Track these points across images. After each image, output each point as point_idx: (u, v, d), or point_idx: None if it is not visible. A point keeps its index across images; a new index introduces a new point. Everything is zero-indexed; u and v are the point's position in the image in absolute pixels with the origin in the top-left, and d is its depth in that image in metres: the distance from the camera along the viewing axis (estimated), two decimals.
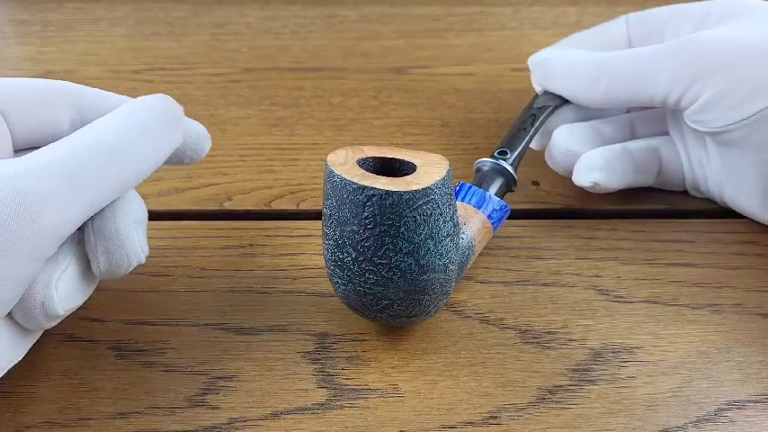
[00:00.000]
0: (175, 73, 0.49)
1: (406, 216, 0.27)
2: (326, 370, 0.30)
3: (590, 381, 0.29)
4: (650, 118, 0.40)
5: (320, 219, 0.29)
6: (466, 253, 0.31)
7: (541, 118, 0.38)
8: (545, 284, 0.34)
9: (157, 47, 0.52)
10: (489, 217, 0.33)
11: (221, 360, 0.30)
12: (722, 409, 0.28)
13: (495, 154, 0.35)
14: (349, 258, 0.28)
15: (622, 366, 0.30)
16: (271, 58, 0.51)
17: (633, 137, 0.39)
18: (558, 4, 0.59)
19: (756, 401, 0.29)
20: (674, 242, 0.36)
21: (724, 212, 0.38)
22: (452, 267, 0.29)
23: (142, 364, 0.30)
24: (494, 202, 0.33)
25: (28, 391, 0.29)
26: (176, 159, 0.31)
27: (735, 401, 0.29)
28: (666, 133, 0.39)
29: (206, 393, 0.29)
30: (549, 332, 0.31)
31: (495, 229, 0.33)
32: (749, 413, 0.28)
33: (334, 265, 0.29)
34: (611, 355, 0.31)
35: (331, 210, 0.28)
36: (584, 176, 0.36)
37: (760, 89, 0.33)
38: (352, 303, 0.29)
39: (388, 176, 0.28)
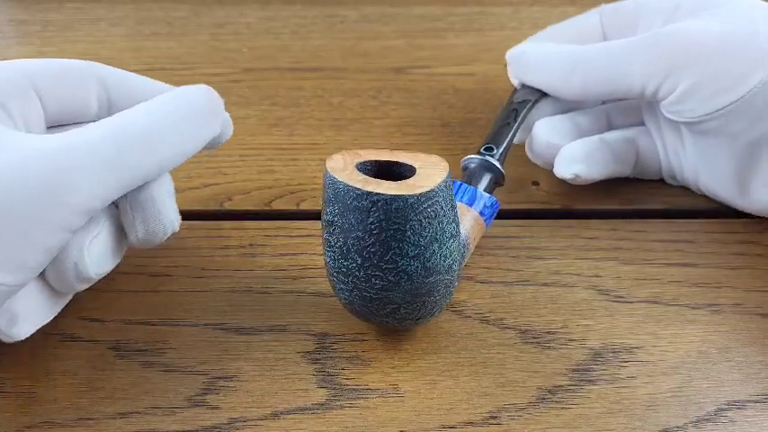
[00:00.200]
0: (175, 73, 0.49)
1: (411, 220, 0.26)
2: (326, 370, 0.30)
3: (590, 381, 0.30)
4: (625, 109, 0.40)
5: (320, 219, 0.29)
6: (462, 251, 0.31)
7: (523, 112, 0.38)
8: (545, 284, 0.34)
9: (157, 47, 0.52)
10: (481, 213, 0.33)
11: (221, 360, 0.30)
12: (722, 409, 0.28)
13: (482, 150, 0.36)
14: (354, 265, 0.28)
15: (622, 366, 0.30)
16: (271, 58, 0.51)
17: (610, 128, 0.39)
18: (558, 4, 0.59)
19: (756, 401, 0.29)
20: (674, 242, 0.36)
21: (724, 212, 0.38)
22: (456, 267, 0.29)
23: (142, 364, 0.30)
24: (484, 198, 0.33)
25: (28, 391, 0.29)
26: (208, 146, 0.31)
27: (735, 401, 0.29)
28: (642, 124, 0.39)
29: (206, 393, 0.29)
30: (549, 332, 0.31)
31: (486, 225, 0.33)
32: (749, 413, 0.28)
33: (338, 273, 0.28)
34: (611, 355, 0.31)
35: (333, 216, 0.28)
36: (566, 169, 0.37)
37: (735, 80, 0.33)
38: (357, 309, 0.29)
39: (388, 180, 0.27)
